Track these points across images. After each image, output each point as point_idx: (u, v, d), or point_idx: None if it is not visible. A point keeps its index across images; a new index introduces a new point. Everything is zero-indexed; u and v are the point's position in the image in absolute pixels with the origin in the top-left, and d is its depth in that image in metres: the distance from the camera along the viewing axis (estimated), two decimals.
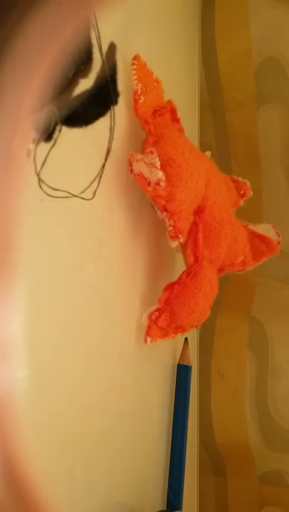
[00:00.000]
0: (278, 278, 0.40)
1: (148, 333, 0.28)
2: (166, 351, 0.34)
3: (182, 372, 0.34)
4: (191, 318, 0.29)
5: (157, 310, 0.28)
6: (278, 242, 0.32)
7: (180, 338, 0.34)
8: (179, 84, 0.38)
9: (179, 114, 0.31)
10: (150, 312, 0.28)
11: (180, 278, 0.29)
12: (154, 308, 0.28)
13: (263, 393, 0.40)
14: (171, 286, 0.29)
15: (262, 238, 0.32)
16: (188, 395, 0.34)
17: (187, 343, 0.35)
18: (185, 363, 0.34)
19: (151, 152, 0.25)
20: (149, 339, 0.28)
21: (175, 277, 0.29)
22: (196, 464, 0.41)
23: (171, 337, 0.30)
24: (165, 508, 0.32)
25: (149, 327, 0.28)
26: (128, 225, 0.28)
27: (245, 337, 0.41)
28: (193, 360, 0.35)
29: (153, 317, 0.28)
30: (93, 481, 0.25)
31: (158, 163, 0.25)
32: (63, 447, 0.23)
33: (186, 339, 0.35)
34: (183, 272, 0.29)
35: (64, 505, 0.22)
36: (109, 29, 0.25)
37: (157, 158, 0.25)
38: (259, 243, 0.32)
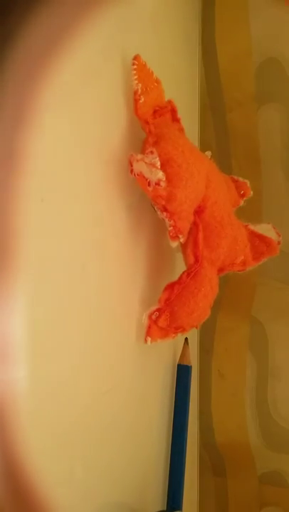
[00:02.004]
0: (279, 278, 0.40)
1: (148, 333, 0.28)
2: (166, 351, 0.34)
3: (182, 372, 0.34)
4: (191, 318, 0.29)
5: (157, 310, 0.28)
6: (278, 242, 0.32)
7: (180, 338, 0.34)
8: (179, 84, 0.38)
9: (179, 114, 0.30)
10: (150, 312, 0.28)
11: (180, 278, 0.29)
12: (154, 308, 0.28)
13: (263, 393, 0.40)
14: (171, 286, 0.29)
15: (262, 238, 0.32)
16: (189, 395, 0.34)
17: (187, 343, 0.35)
18: (185, 363, 0.34)
19: (152, 152, 0.25)
20: (149, 339, 0.28)
21: (175, 277, 0.29)
22: (196, 464, 0.41)
23: (172, 337, 0.30)
24: (165, 508, 0.32)
25: (149, 327, 0.28)
26: (128, 225, 0.28)
27: (245, 337, 0.41)
28: (193, 360, 0.35)
29: (153, 317, 0.28)
30: (93, 481, 0.25)
31: (158, 163, 0.25)
32: (63, 447, 0.23)
33: (186, 339, 0.35)
34: (183, 272, 0.29)
35: (64, 505, 0.22)
36: (109, 29, 0.25)
37: (157, 158, 0.25)
38: (259, 243, 0.32)
